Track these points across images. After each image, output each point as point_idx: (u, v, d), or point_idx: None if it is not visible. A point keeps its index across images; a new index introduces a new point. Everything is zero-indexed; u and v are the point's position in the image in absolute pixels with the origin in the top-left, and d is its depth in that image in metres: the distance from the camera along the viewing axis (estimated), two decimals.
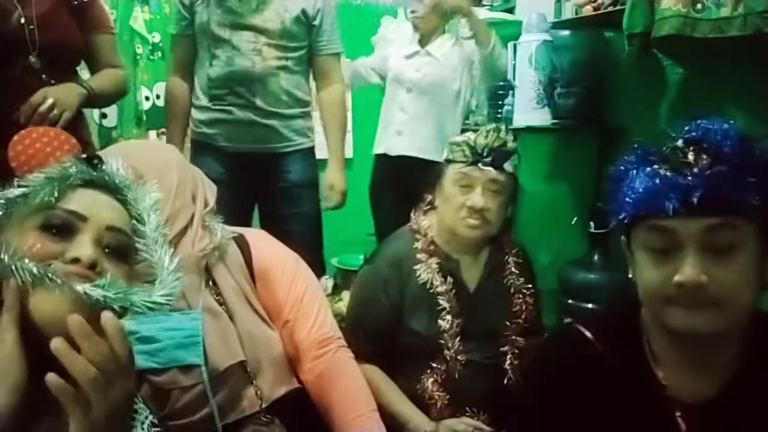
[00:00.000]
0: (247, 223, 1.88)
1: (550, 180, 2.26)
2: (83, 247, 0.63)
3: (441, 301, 1.25)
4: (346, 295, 2.68)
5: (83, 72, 1.64)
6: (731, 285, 0.67)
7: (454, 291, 1.26)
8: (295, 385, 1.08)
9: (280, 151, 1.84)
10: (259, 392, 1.01)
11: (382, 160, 2.14)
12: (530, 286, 1.34)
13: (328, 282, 2.91)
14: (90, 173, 0.69)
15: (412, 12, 2.05)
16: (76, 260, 0.61)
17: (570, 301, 1.94)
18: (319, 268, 1.94)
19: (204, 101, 1.82)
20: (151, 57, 2.82)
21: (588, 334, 0.81)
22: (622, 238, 0.78)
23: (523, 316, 1.30)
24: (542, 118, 2.08)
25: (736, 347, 0.72)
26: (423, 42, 2.08)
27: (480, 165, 1.22)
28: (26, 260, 0.58)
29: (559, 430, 0.78)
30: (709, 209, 0.66)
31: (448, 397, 1.24)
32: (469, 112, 2.47)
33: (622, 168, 0.74)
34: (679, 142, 0.70)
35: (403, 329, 1.27)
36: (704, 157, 0.67)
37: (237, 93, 1.78)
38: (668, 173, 0.68)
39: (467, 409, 1.24)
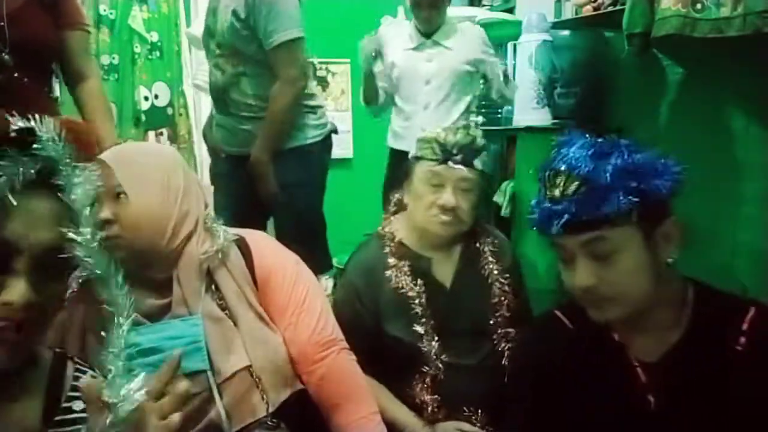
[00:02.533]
0: (263, 224, 1.87)
1: None
2: (17, 287, 0.56)
3: (414, 307, 1.23)
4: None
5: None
6: (619, 284, 0.79)
7: (428, 292, 1.24)
8: (299, 386, 1.07)
9: None
10: (265, 397, 1.01)
11: (400, 157, 2.07)
12: (507, 275, 1.29)
13: (328, 282, 2.90)
14: (24, 170, 0.58)
15: (425, 16, 1.99)
16: (7, 303, 0.56)
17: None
18: (318, 264, 1.90)
19: None
20: (150, 56, 2.80)
21: (561, 315, 0.94)
22: None
23: (505, 306, 1.27)
24: (542, 118, 2.08)
25: (674, 312, 0.84)
26: (427, 34, 2.05)
27: (450, 163, 1.21)
28: None
29: (547, 401, 0.89)
30: (581, 227, 0.78)
31: (438, 399, 1.22)
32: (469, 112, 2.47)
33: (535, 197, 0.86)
34: (548, 173, 0.82)
35: (384, 336, 1.26)
36: (567, 183, 0.79)
37: (216, 103, 1.89)
38: (547, 200, 0.81)
39: (464, 408, 1.22)
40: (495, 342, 1.26)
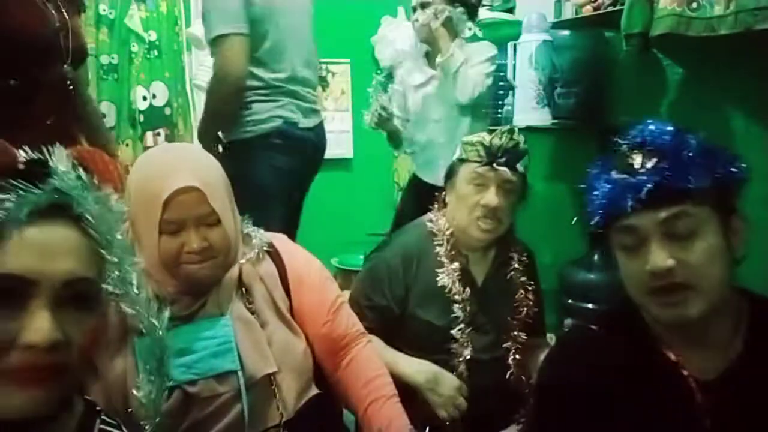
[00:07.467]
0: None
1: (550, 180, 2.26)
2: (38, 326, 0.51)
3: (452, 295, 1.28)
4: (345, 295, 2.69)
5: None
6: (699, 266, 0.73)
7: (463, 285, 1.30)
8: (315, 391, 1.08)
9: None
10: (282, 404, 1.01)
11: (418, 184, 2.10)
12: (532, 283, 1.38)
13: None
14: (34, 200, 0.54)
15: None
16: (31, 345, 0.51)
17: (570, 301, 1.94)
18: None
19: None
20: (148, 56, 2.79)
21: (596, 328, 0.87)
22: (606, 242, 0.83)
23: (524, 312, 1.34)
24: (542, 118, 2.08)
25: (732, 325, 0.78)
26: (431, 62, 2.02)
27: (495, 165, 1.25)
28: None
29: (581, 422, 0.80)
30: (661, 202, 0.73)
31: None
32: None
33: (588, 179, 0.81)
34: (624, 147, 0.77)
35: (410, 320, 1.30)
36: (647, 156, 0.75)
37: None
38: (619, 176, 0.76)
39: (478, 397, 1.25)
40: (505, 342, 1.32)
